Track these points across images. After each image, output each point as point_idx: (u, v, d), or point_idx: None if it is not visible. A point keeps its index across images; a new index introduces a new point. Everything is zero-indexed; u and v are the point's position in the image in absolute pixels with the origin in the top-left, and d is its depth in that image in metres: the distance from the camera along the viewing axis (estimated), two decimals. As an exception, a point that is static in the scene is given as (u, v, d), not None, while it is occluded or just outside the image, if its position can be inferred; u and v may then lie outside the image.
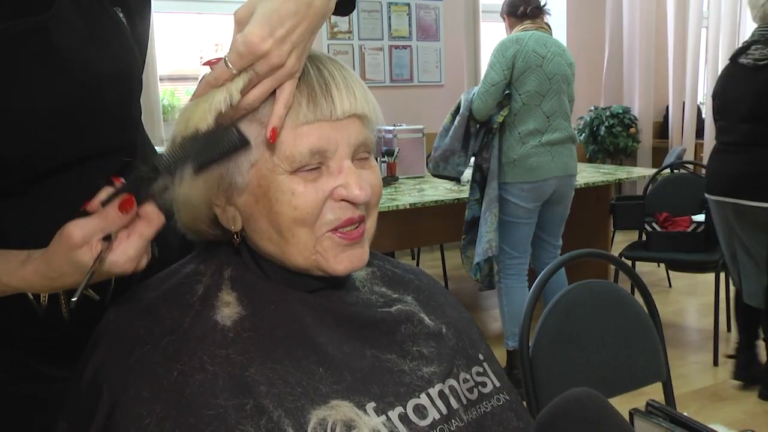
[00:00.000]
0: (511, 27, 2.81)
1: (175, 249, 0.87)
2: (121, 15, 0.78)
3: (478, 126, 2.72)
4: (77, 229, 0.61)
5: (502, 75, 2.61)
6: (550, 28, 2.82)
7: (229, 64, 0.67)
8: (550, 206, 2.80)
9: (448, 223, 3.28)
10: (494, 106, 2.64)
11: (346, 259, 0.74)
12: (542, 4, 2.81)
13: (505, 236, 2.75)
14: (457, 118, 2.70)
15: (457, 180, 2.83)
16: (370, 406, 0.70)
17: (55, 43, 0.68)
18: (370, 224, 0.77)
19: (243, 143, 0.67)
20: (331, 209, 0.72)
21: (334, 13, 0.74)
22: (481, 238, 2.70)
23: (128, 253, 0.63)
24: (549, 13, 2.87)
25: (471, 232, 2.81)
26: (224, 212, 0.74)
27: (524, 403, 0.93)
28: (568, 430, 0.79)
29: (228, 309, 0.72)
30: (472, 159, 2.83)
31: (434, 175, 2.88)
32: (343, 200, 0.72)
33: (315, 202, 0.71)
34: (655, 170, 3.80)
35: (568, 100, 2.75)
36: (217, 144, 0.65)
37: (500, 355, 2.91)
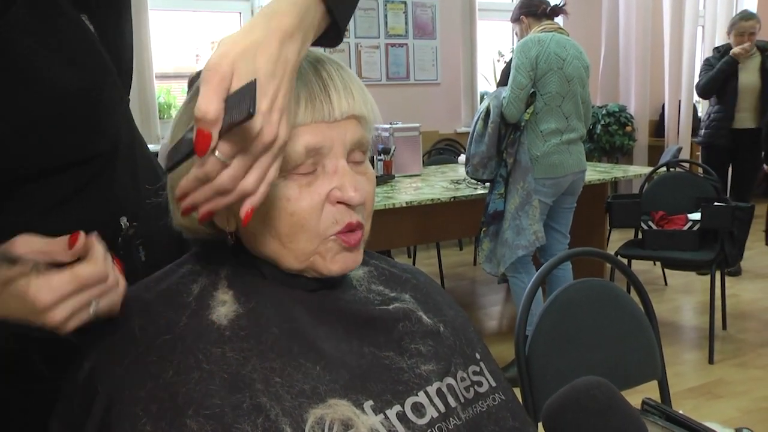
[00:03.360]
0: (529, 27, 2.85)
1: (165, 248, 0.86)
2: (88, 23, 0.74)
3: (506, 126, 2.80)
4: (46, 293, 0.59)
5: (528, 77, 2.69)
6: (565, 29, 2.88)
7: (220, 155, 0.58)
8: (562, 197, 2.91)
9: (444, 222, 3.28)
10: (524, 108, 2.72)
11: (341, 260, 0.74)
12: (562, 4, 2.88)
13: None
14: (490, 125, 2.78)
15: (491, 181, 2.90)
16: (368, 404, 0.69)
17: (10, 54, 0.65)
18: (366, 231, 0.77)
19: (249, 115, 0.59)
20: (330, 213, 0.72)
21: (319, 45, 0.70)
22: (524, 231, 2.77)
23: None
24: (567, 13, 2.94)
25: (493, 225, 2.86)
26: (218, 213, 0.74)
27: (520, 399, 0.93)
28: (577, 419, 0.79)
29: (224, 308, 0.71)
30: None
31: (473, 178, 2.96)
32: (339, 203, 0.72)
33: (311, 208, 0.71)
34: (651, 169, 3.80)
35: (581, 101, 2.84)
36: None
37: (497, 353, 2.91)
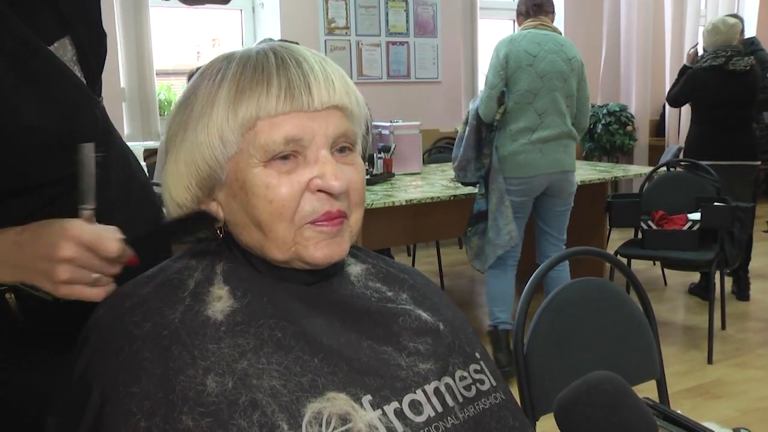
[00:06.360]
0: (520, 26, 2.93)
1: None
2: (70, 46, 0.80)
3: (486, 128, 2.81)
4: (69, 248, 0.67)
5: (498, 77, 2.72)
6: (551, 25, 2.89)
7: None
8: (546, 198, 2.89)
9: (444, 220, 3.28)
10: (497, 107, 2.73)
11: (326, 247, 0.73)
12: (540, 2, 2.90)
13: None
14: (467, 128, 2.80)
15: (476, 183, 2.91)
16: (366, 399, 0.69)
17: None
18: (354, 221, 0.77)
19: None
20: (308, 201, 0.72)
21: None
22: (500, 231, 2.78)
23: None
24: (550, 11, 2.95)
25: (477, 225, 2.88)
26: (207, 207, 0.75)
27: (518, 399, 0.93)
28: (587, 412, 0.79)
29: (220, 303, 0.71)
30: None
31: (460, 182, 2.96)
32: (320, 191, 0.72)
33: (290, 195, 0.71)
34: (651, 168, 3.80)
35: (565, 96, 2.80)
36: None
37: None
